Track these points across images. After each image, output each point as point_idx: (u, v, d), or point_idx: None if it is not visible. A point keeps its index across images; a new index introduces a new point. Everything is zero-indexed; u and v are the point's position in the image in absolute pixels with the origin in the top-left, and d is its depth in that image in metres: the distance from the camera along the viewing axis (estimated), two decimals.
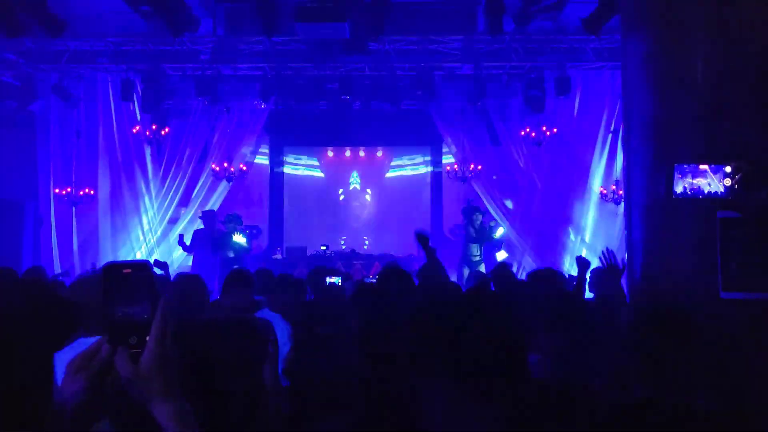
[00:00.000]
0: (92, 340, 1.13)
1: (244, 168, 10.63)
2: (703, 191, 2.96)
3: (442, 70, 9.55)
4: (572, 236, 10.03)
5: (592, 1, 7.33)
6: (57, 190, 9.84)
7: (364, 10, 7.43)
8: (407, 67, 9.38)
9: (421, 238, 4.50)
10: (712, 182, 2.97)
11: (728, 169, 2.88)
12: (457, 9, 8.83)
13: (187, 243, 9.38)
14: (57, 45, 8.76)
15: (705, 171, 2.90)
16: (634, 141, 4.77)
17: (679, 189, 2.98)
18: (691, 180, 2.99)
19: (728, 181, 2.85)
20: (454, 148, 10.64)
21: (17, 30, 7.12)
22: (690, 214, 3.91)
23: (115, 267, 1.10)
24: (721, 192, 2.95)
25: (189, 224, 10.38)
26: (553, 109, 9.68)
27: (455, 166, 10.35)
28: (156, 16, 7.27)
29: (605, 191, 9.77)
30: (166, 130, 9.98)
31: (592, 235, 9.90)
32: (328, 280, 4.98)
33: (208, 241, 9.40)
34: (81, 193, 9.84)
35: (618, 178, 9.44)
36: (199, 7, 8.29)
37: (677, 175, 2.90)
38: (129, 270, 1.10)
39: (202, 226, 9.78)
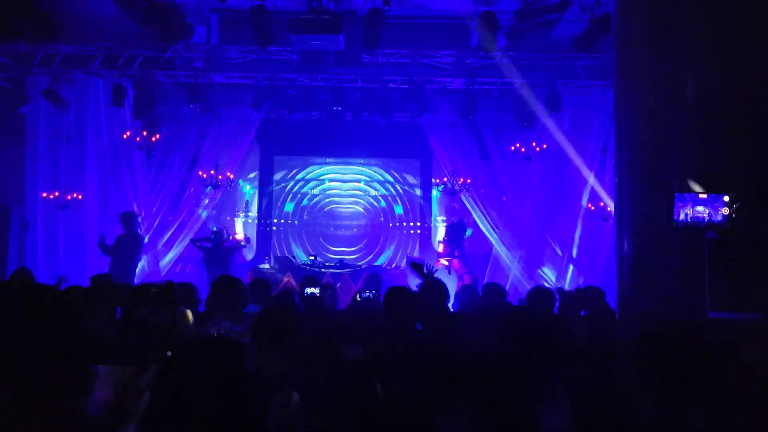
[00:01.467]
0: None
1: (231, 176, 10.62)
2: (702, 219, 3.02)
3: (434, 84, 9.65)
4: (559, 251, 10.11)
5: (583, 20, 7.45)
6: (45, 194, 9.75)
7: (358, 23, 7.49)
8: (400, 80, 9.48)
9: (416, 266, 4.58)
10: (710, 210, 3.03)
11: (726, 198, 2.94)
12: (450, 24, 8.94)
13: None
14: (49, 48, 8.73)
15: (704, 199, 2.96)
16: (625, 160, 4.83)
17: (680, 216, 3.04)
18: (690, 208, 3.05)
19: (726, 210, 2.91)
20: (444, 161, 10.71)
21: (9, 33, 7.08)
22: (683, 237, 3.97)
23: (145, 285, 1.59)
24: (719, 220, 3.00)
25: (177, 231, 10.33)
26: (544, 125, 9.81)
27: (445, 179, 10.40)
28: (150, 22, 7.26)
29: (593, 208, 9.88)
30: (157, 136, 9.94)
31: (579, 250, 10.00)
32: (307, 290, 5.03)
33: (128, 245, 8.96)
34: (69, 197, 9.75)
35: (607, 195, 9.54)
36: (193, 15, 8.30)
37: (678, 204, 2.96)
38: (155, 289, 1.60)
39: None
